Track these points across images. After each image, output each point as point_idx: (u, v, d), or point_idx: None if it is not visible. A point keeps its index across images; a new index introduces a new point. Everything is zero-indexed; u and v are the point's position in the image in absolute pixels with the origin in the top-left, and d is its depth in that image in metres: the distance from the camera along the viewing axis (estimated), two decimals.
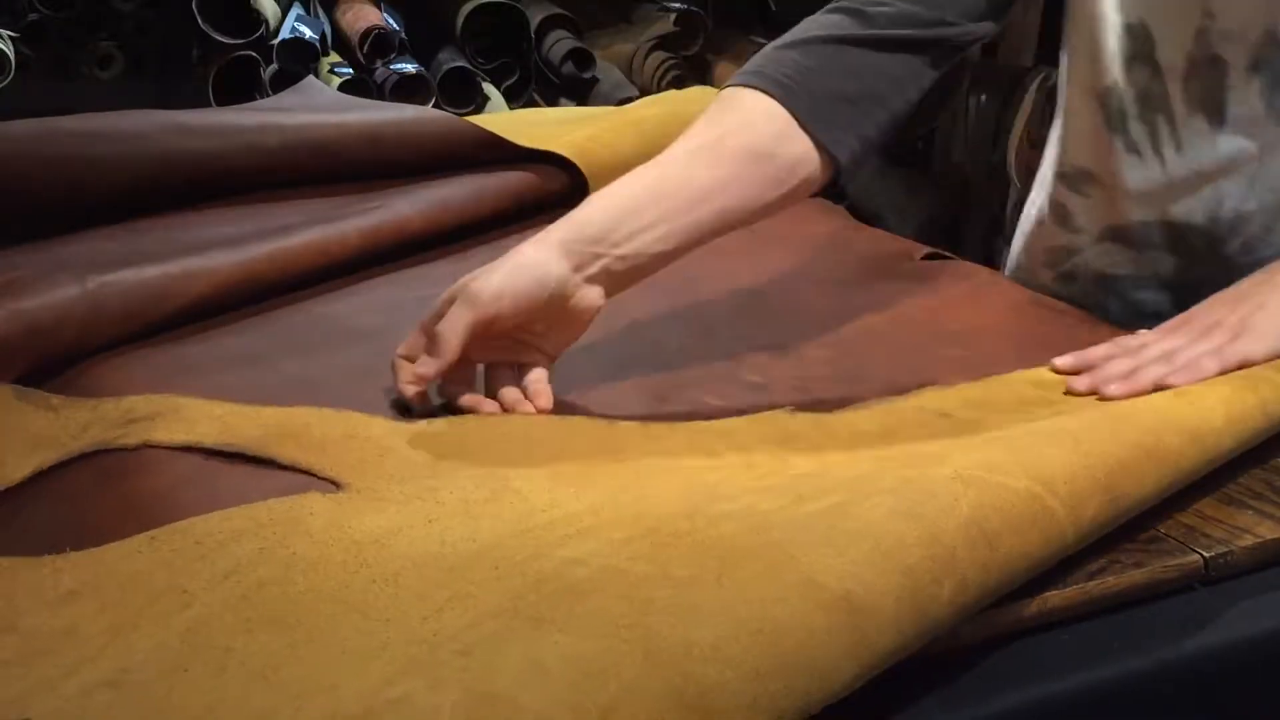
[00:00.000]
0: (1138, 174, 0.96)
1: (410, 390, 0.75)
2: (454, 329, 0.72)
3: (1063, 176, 1.03)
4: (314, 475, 0.68)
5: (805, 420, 0.76)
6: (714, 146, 0.78)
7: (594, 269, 0.76)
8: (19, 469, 0.73)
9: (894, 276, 1.08)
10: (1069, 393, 0.79)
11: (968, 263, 1.14)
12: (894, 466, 0.65)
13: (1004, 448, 0.65)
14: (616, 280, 0.77)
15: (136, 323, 0.89)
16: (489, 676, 0.47)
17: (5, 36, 1.89)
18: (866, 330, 0.95)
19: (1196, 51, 0.89)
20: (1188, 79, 0.91)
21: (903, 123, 0.83)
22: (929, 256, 1.13)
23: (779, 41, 0.84)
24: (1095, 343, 0.94)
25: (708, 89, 1.54)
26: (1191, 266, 0.97)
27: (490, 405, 0.76)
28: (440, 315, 0.74)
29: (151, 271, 0.91)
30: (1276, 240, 0.93)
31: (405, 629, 0.51)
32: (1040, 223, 1.08)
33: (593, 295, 0.77)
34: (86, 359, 0.86)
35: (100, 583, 0.57)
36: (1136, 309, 1.01)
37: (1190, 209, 0.94)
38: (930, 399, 0.80)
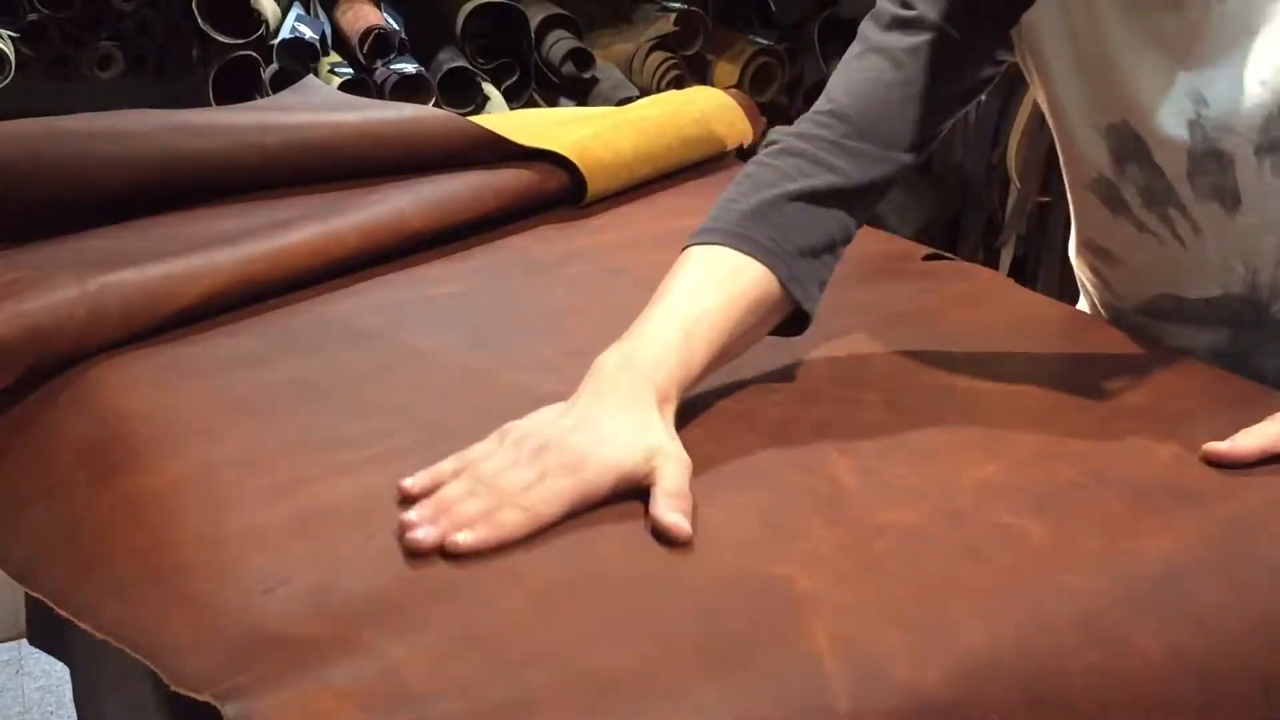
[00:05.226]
0: (1157, 254, 0.92)
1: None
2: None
3: (1086, 246, 1.01)
4: None
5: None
6: (726, 309, 0.79)
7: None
8: None
9: (894, 276, 1.07)
10: None
11: (968, 263, 1.13)
12: None
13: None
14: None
15: (137, 323, 0.89)
16: None
17: (5, 36, 1.89)
18: (866, 330, 0.95)
19: (1196, 148, 0.85)
20: (1192, 174, 0.87)
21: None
22: (929, 257, 1.12)
23: (747, 187, 0.85)
24: (1095, 343, 0.94)
25: (708, 89, 1.53)
26: (1239, 334, 0.93)
27: None
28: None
29: (152, 272, 0.91)
30: None
31: None
32: (1084, 270, 1.04)
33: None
34: (87, 359, 0.86)
35: None
36: None
37: (1227, 283, 0.90)
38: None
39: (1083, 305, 1.08)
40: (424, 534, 0.64)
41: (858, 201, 0.86)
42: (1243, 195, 0.86)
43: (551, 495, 0.67)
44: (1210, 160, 0.85)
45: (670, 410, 0.74)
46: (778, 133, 0.88)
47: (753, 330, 0.81)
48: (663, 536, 0.66)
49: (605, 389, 0.73)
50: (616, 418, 0.71)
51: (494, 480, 0.67)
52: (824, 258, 0.84)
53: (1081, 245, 1.02)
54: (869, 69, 0.87)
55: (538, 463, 0.68)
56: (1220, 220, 0.87)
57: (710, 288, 0.79)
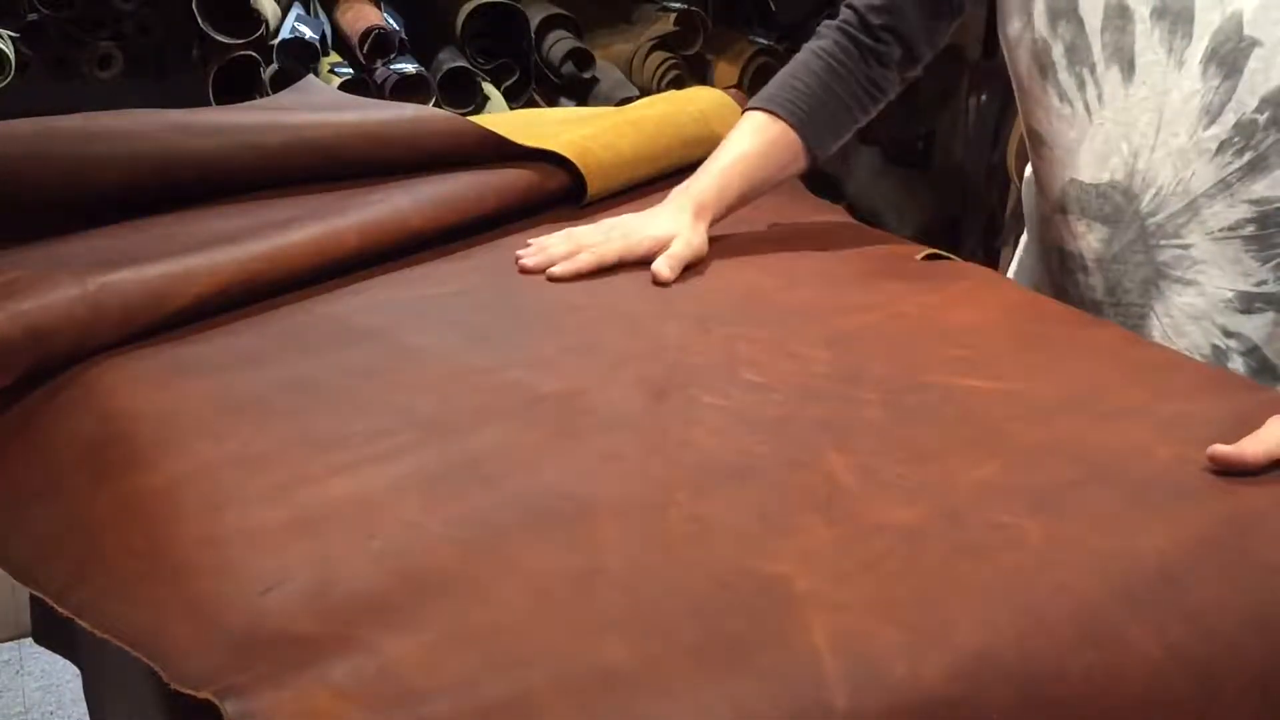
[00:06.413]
0: (1070, 126, 1.05)
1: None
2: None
3: (1027, 134, 1.14)
4: None
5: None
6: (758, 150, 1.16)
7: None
8: None
9: (894, 276, 1.08)
10: None
11: (968, 263, 1.14)
12: None
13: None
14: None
15: (137, 323, 0.89)
16: None
17: (5, 36, 1.89)
18: (866, 330, 0.95)
19: (1110, 2, 0.99)
20: (1104, 30, 0.99)
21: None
22: (929, 256, 1.13)
23: (796, 63, 1.18)
24: (1094, 342, 0.94)
25: (708, 89, 1.53)
26: (1115, 234, 1.04)
27: None
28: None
29: (151, 272, 0.91)
30: (1182, 190, 0.99)
31: None
32: (1028, 187, 1.18)
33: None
34: (87, 359, 0.86)
35: None
36: (1078, 294, 1.10)
37: (1113, 166, 1.03)
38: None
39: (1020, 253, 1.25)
40: (531, 261, 1.05)
41: (876, 94, 1.18)
42: (1137, 62, 0.99)
43: (609, 248, 1.06)
44: (1117, 14, 0.99)
45: (705, 216, 1.10)
46: (822, 27, 1.19)
47: (779, 168, 1.16)
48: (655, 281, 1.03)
49: (665, 204, 1.12)
50: (661, 215, 1.10)
51: (578, 239, 1.07)
52: (842, 119, 1.17)
53: (1024, 138, 1.16)
54: None
55: (605, 232, 1.09)
56: (1118, 89, 1.01)
57: (748, 137, 1.15)
